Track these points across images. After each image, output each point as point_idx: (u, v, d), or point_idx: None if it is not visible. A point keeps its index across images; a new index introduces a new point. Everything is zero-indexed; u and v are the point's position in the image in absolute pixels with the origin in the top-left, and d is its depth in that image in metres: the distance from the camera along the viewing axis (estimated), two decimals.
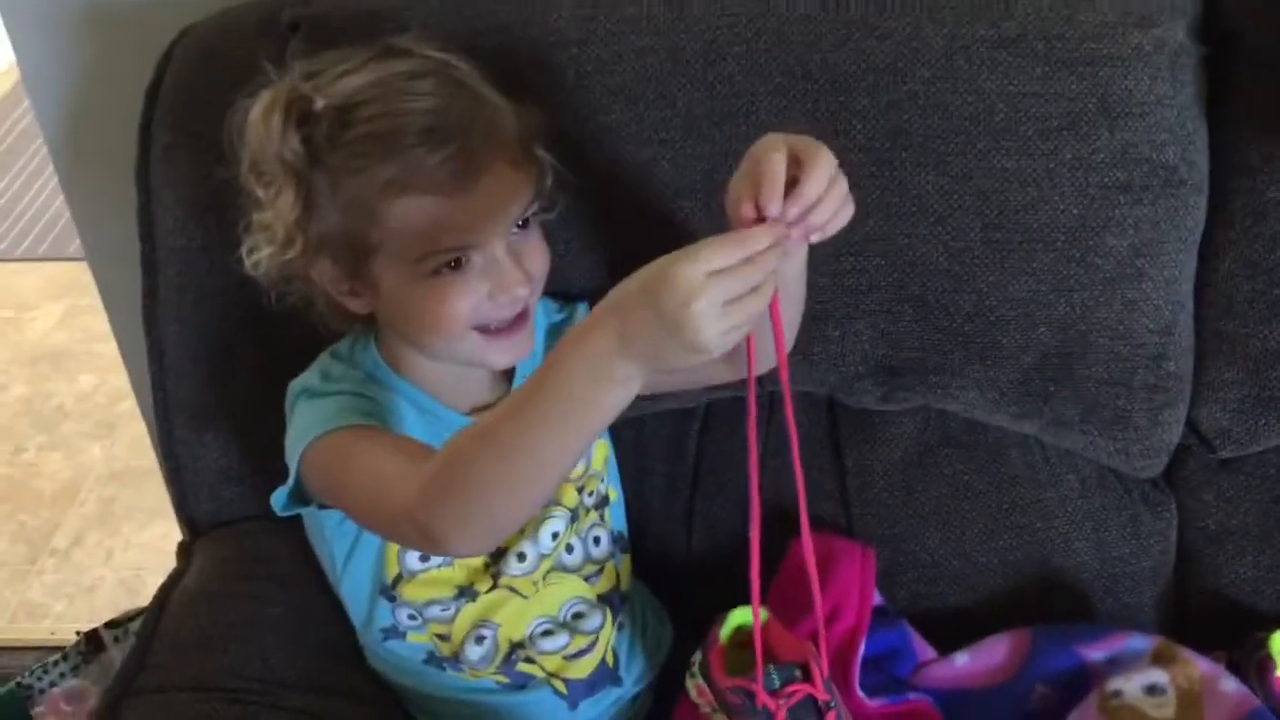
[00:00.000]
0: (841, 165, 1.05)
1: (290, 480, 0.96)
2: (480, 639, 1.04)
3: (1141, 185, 1.06)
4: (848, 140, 1.05)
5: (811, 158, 0.78)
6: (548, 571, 1.05)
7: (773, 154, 0.78)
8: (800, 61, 1.05)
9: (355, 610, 1.07)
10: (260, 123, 0.91)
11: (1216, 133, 1.10)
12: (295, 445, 0.95)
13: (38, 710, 1.51)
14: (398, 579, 1.02)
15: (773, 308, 0.77)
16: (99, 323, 2.63)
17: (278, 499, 0.97)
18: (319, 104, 0.90)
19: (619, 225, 1.09)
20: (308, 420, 0.96)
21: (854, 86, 1.04)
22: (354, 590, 1.05)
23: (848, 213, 0.80)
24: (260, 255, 0.95)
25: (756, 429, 1.15)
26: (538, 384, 0.78)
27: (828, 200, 0.78)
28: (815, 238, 0.79)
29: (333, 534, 1.02)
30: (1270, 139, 1.08)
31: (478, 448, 0.81)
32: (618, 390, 0.76)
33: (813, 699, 0.94)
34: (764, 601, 1.02)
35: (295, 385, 1.01)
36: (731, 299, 0.72)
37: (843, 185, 0.79)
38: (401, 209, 0.90)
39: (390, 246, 0.92)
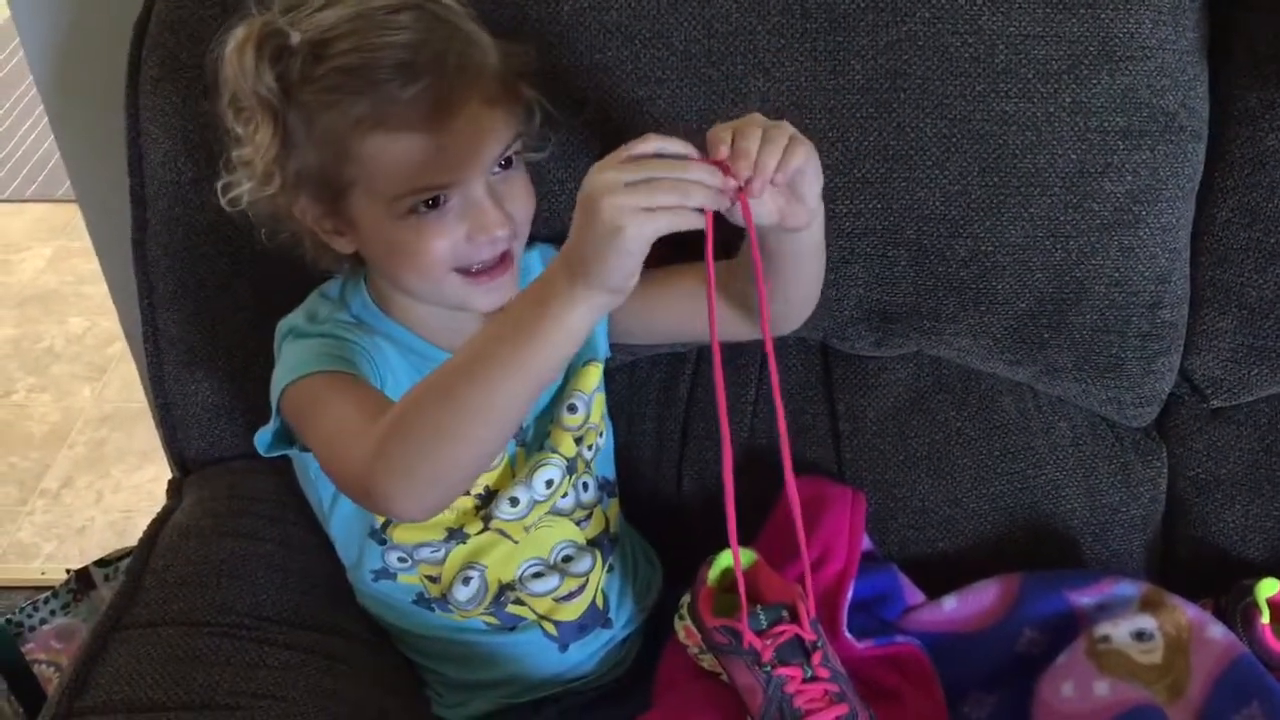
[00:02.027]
0: (839, 106, 1.05)
1: (272, 421, 0.96)
2: (467, 579, 1.04)
3: (1141, 131, 1.05)
4: (846, 81, 1.04)
5: (741, 123, 0.79)
6: (540, 517, 1.05)
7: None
8: None
9: (344, 551, 1.07)
10: (235, 58, 0.90)
11: (1217, 79, 1.09)
12: (276, 386, 0.95)
13: (28, 647, 1.51)
14: (388, 522, 1.02)
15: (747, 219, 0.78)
16: (88, 265, 2.63)
17: (261, 439, 0.97)
18: (294, 38, 0.88)
19: None
20: (289, 362, 0.95)
21: (853, 26, 1.03)
22: (343, 531, 1.05)
23: (801, 150, 0.79)
24: (240, 191, 0.94)
25: (750, 374, 1.17)
26: (489, 322, 0.79)
27: (768, 143, 0.77)
28: (780, 179, 0.78)
29: (317, 476, 1.02)
30: (1271, 86, 1.07)
31: (427, 394, 0.81)
32: (564, 313, 0.75)
33: (799, 639, 0.95)
34: (755, 545, 1.03)
35: (283, 324, 1.01)
36: (634, 180, 0.72)
37: (783, 129, 0.79)
38: (375, 145, 0.89)
39: (366, 184, 0.91)
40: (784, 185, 0.80)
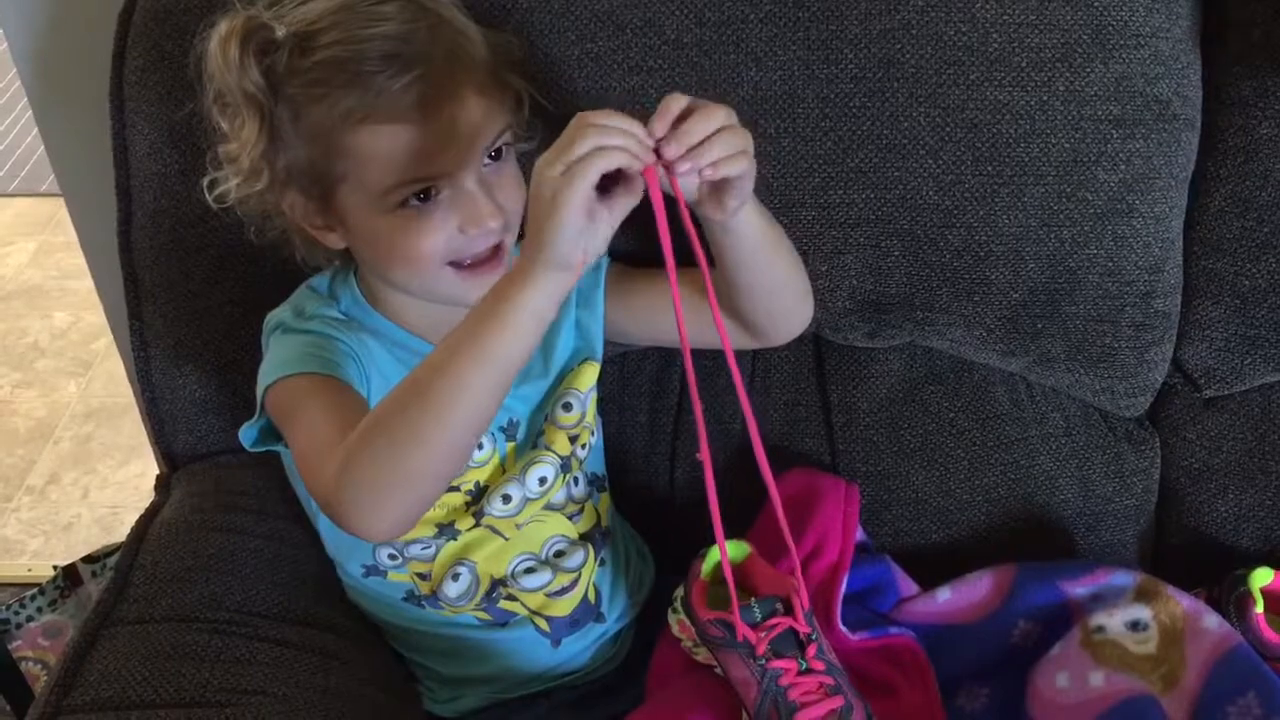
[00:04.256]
0: (832, 96, 1.05)
1: (257, 418, 0.95)
2: (456, 575, 1.03)
3: (1134, 119, 1.05)
4: (838, 70, 1.04)
5: (705, 105, 0.80)
6: (532, 513, 1.05)
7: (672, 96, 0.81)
8: None
9: (334, 547, 1.06)
10: (219, 53, 0.89)
11: (1210, 67, 1.09)
12: (261, 383, 0.94)
13: (15, 644, 1.50)
14: None
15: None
16: (73, 259, 2.61)
17: (246, 435, 0.96)
18: (280, 31, 0.88)
19: None
20: (274, 360, 0.95)
21: (846, 14, 1.03)
22: (331, 528, 1.05)
23: (740, 164, 0.81)
24: (227, 188, 0.93)
25: (743, 365, 1.16)
26: (461, 321, 0.81)
27: (713, 142, 0.79)
28: (708, 174, 0.80)
29: None
30: (1264, 74, 1.07)
31: (394, 401, 0.81)
32: (522, 296, 0.77)
33: (793, 632, 0.94)
34: (748, 537, 1.02)
35: (271, 319, 1.00)
36: (563, 157, 0.75)
37: (736, 137, 0.80)
38: (364, 138, 0.88)
39: (355, 178, 0.90)
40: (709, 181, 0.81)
